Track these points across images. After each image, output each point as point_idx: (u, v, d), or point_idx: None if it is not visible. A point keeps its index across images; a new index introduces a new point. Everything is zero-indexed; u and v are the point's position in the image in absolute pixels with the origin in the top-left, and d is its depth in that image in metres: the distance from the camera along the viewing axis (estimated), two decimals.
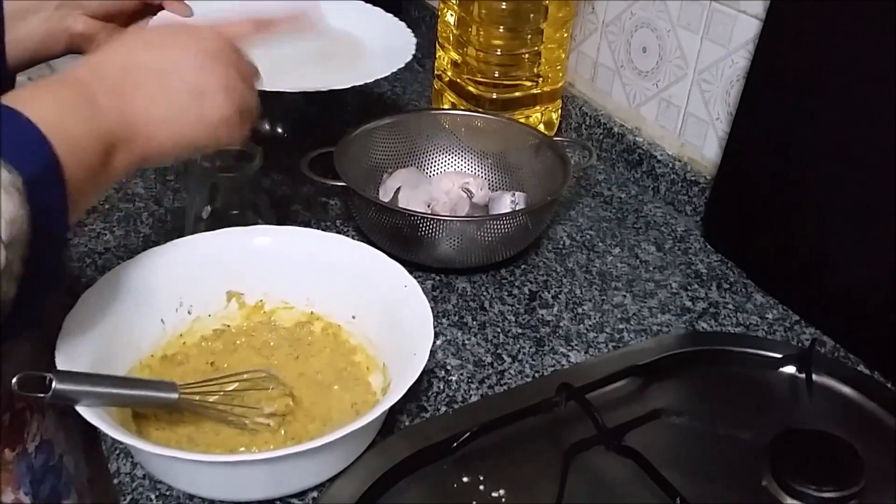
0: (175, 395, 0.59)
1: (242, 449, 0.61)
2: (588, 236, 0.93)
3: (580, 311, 0.81)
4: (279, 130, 1.08)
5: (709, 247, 0.92)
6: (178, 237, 0.71)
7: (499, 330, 0.78)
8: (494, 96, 1.03)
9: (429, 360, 0.60)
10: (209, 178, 0.78)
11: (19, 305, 0.44)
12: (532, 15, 1.00)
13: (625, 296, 0.83)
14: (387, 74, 0.91)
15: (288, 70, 0.91)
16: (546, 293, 0.83)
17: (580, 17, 1.09)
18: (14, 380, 0.51)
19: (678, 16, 0.94)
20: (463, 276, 0.84)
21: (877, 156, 0.71)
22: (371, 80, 0.90)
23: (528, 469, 0.63)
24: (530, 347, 0.76)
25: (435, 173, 0.96)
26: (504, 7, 0.98)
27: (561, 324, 0.79)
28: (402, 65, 0.93)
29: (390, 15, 1.06)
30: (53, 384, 0.52)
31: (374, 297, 0.68)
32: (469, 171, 0.96)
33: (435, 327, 0.65)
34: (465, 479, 0.61)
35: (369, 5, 1.08)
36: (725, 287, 0.85)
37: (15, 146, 0.42)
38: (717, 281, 0.86)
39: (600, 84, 1.09)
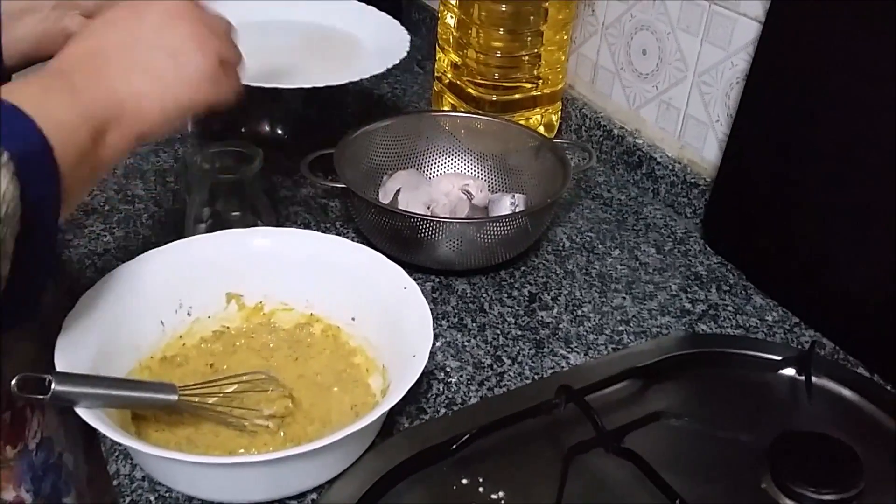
0: (174, 397, 0.59)
1: (242, 451, 0.61)
2: (588, 238, 0.93)
3: (580, 313, 0.81)
4: (279, 132, 1.08)
5: (708, 249, 0.92)
6: (178, 239, 0.71)
7: (498, 332, 0.78)
8: (494, 98, 1.03)
9: (428, 362, 0.60)
10: (209, 179, 0.78)
11: (15, 293, 0.44)
12: (532, 17, 1.00)
13: (624, 298, 0.83)
14: (382, 71, 0.92)
15: (284, 68, 0.92)
16: (546, 295, 0.83)
17: (580, 20, 1.09)
18: (13, 381, 0.51)
19: (678, 18, 0.94)
20: (462, 277, 0.84)
21: (876, 159, 0.71)
22: (367, 76, 0.90)
23: (527, 471, 0.63)
24: (530, 349, 0.76)
25: (435, 175, 0.96)
26: (504, 9, 0.98)
27: (560, 326, 0.79)
28: (397, 61, 0.94)
29: (384, 14, 1.06)
30: (53, 386, 0.52)
31: (374, 299, 0.68)
32: (469, 173, 0.96)
33: (434, 329, 0.65)
34: (464, 481, 0.61)
35: (363, 4, 1.09)
36: (725, 289, 0.86)
37: (2, 127, 0.42)
38: (717, 283, 0.86)
39: (600, 86, 1.09)
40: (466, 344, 0.76)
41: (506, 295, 0.83)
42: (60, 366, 0.56)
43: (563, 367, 0.74)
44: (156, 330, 0.67)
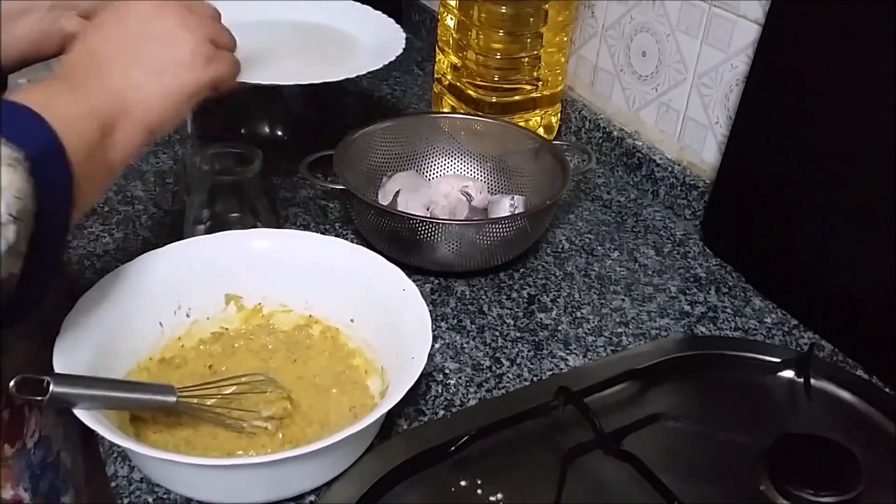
0: (173, 399, 0.59)
1: (240, 452, 0.61)
2: (587, 240, 0.93)
3: (579, 314, 0.81)
4: (279, 133, 1.08)
5: (707, 251, 0.92)
6: (177, 240, 0.71)
7: (497, 333, 0.78)
8: (494, 100, 1.03)
9: (427, 364, 0.60)
10: (208, 180, 0.78)
11: (22, 292, 0.45)
12: (532, 19, 1.00)
13: (623, 299, 0.83)
14: (378, 67, 0.92)
15: (280, 66, 0.92)
16: (545, 297, 0.83)
17: (580, 21, 1.09)
18: (11, 382, 0.51)
19: (677, 20, 0.94)
20: (462, 279, 0.84)
21: (876, 162, 0.71)
22: (363, 73, 0.91)
23: (525, 473, 0.63)
24: (529, 351, 0.76)
25: (434, 177, 0.96)
26: (504, 11, 0.98)
27: (559, 327, 0.79)
28: (394, 58, 0.94)
29: (379, 12, 1.07)
30: (51, 387, 0.52)
31: (373, 301, 0.68)
32: (468, 175, 0.96)
33: (433, 331, 0.65)
34: (462, 483, 0.61)
35: (358, 3, 1.09)
36: (724, 291, 0.86)
37: (13, 125, 0.44)
38: (716, 285, 0.86)
39: (600, 88, 1.09)
40: (465, 345, 0.76)
41: (505, 297, 0.83)
42: (59, 367, 0.56)
43: (561, 368, 0.74)
44: (154, 331, 0.67)
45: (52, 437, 0.69)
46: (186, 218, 0.80)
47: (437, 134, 0.97)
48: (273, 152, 0.91)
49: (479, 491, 0.61)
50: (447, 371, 0.73)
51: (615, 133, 1.05)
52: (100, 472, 0.63)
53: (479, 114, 1.02)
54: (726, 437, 0.65)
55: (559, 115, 1.11)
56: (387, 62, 0.93)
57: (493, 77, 1.03)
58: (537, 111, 1.07)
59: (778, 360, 0.74)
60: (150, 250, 0.68)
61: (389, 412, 0.59)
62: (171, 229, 0.88)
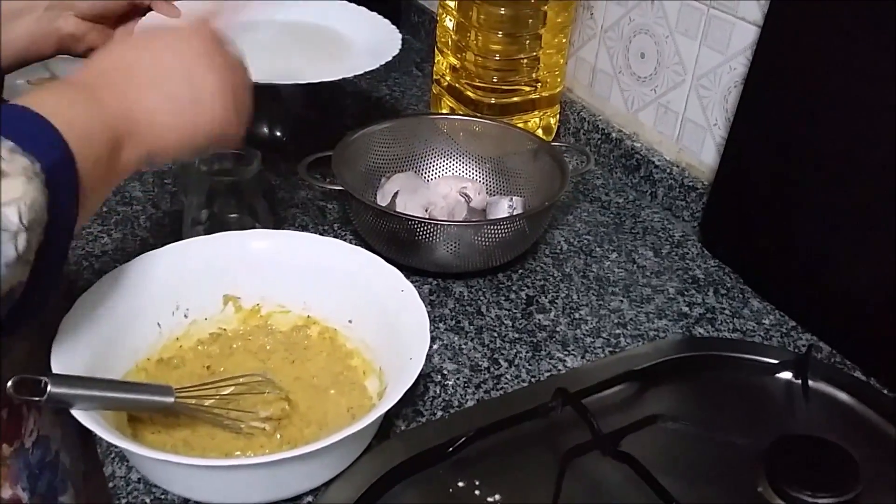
0: (171, 399, 0.59)
1: (238, 453, 0.61)
2: (585, 241, 0.93)
3: (577, 315, 0.81)
4: (278, 134, 1.08)
5: (706, 252, 0.92)
6: (176, 240, 0.71)
7: (495, 335, 0.78)
8: (493, 101, 1.03)
9: (425, 365, 0.60)
10: (207, 181, 0.78)
11: (25, 300, 0.45)
12: (531, 20, 1.00)
13: (622, 301, 0.83)
14: (375, 67, 0.93)
15: (276, 66, 0.92)
16: (543, 298, 0.83)
17: (579, 23, 1.09)
18: (9, 383, 0.51)
19: (676, 22, 0.95)
20: (460, 280, 0.84)
21: (874, 165, 0.71)
22: (360, 73, 0.91)
23: (523, 474, 0.63)
24: (527, 352, 0.76)
25: (433, 178, 0.96)
26: (503, 12, 0.99)
27: (558, 329, 0.79)
28: (390, 58, 0.94)
29: (374, 13, 1.07)
30: (49, 388, 0.52)
31: (371, 302, 0.68)
32: (467, 176, 0.96)
33: (432, 332, 0.65)
34: (460, 484, 0.61)
35: (353, 4, 1.09)
36: (722, 292, 0.86)
37: (30, 137, 0.44)
38: (714, 286, 0.86)
39: (598, 89, 1.10)
40: (463, 346, 0.76)
41: (503, 298, 0.83)
42: (57, 367, 0.56)
43: (560, 370, 0.74)
44: (153, 332, 0.67)
45: (51, 436, 0.69)
46: (185, 219, 0.80)
47: (436, 135, 0.97)
48: (272, 153, 0.91)
49: (476, 492, 0.61)
50: (445, 372, 0.73)
51: (614, 134, 1.05)
52: (98, 471, 0.63)
53: (478, 115, 1.02)
54: (724, 439, 0.65)
55: (558, 116, 1.11)
56: (383, 62, 0.93)
57: (491, 78, 1.03)
58: (536, 112, 1.07)
59: (776, 361, 0.74)
60: (148, 251, 0.68)
61: (387, 413, 0.59)
62: (170, 230, 0.88)
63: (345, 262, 0.71)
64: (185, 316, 0.69)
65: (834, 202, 0.76)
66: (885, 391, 0.73)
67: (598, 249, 0.91)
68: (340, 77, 0.90)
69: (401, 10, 1.44)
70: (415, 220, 0.79)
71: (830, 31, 0.73)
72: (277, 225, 0.87)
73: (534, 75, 1.04)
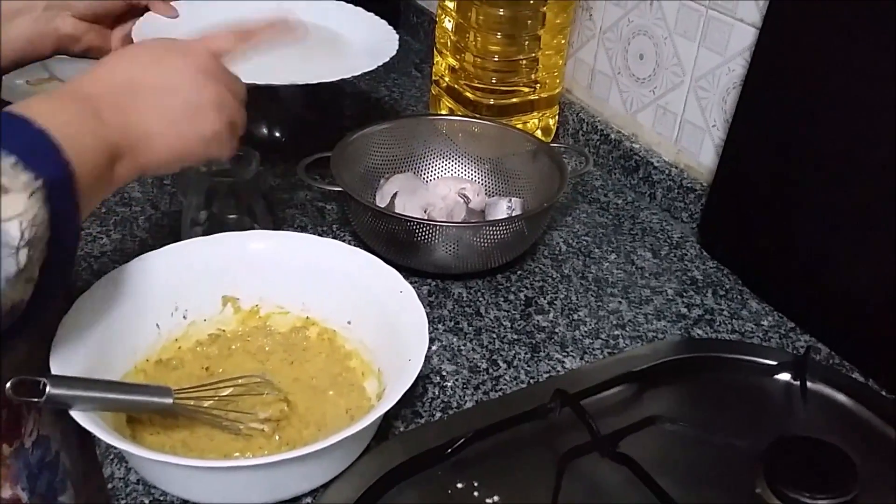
0: (170, 400, 0.59)
1: (237, 454, 0.61)
2: (584, 242, 0.93)
3: (576, 317, 0.81)
4: (277, 135, 1.08)
5: (705, 253, 0.92)
6: (174, 241, 0.71)
7: (494, 336, 0.78)
8: (492, 102, 1.03)
9: (424, 366, 0.60)
10: (206, 182, 0.78)
11: (27, 312, 0.45)
12: (529, 21, 1.00)
13: (620, 302, 0.83)
14: (373, 68, 0.93)
15: (276, 68, 0.92)
16: (542, 299, 0.83)
17: (577, 24, 1.09)
18: (8, 384, 0.51)
19: (675, 23, 0.95)
20: (459, 281, 0.84)
21: (873, 166, 0.71)
22: (358, 73, 0.91)
23: (522, 475, 0.63)
24: (526, 353, 0.76)
25: (432, 179, 0.96)
26: (501, 13, 0.99)
27: (556, 330, 0.79)
28: (387, 59, 0.94)
29: (371, 14, 1.07)
30: (48, 389, 0.52)
31: (370, 303, 0.68)
32: (466, 177, 0.96)
33: (430, 333, 0.65)
34: (459, 486, 0.61)
35: (350, 5, 1.09)
36: (721, 294, 0.86)
37: (32, 152, 0.44)
38: (713, 287, 0.86)
39: (597, 90, 1.10)
40: (462, 348, 0.76)
41: (502, 299, 0.83)
42: (56, 368, 0.56)
43: (558, 371, 0.74)
44: (151, 333, 0.67)
45: (51, 436, 0.69)
46: (183, 219, 0.80)
47: (435, 136, 0.97)
48: (270, 154, 0.91)
49: (475, 493, 0.61)
50: (444, 373, 0.73)
51: (612, 136, 1.05)
52: (97, 472, 0.63)
53: (477, 116, 1.03)
54: (723, 440, 0.65)
55: (557, 117, 1.11)
56: (381, 63, 0.93)
57: (490, 79, 1.03)
58: (535, 113, 1.07)
59: (774, 362, 0.74)
60: (147, 252, 0.68)
61: (386, 414, 0.59)
62: (169, 231, 0.88)
63: (344, 263, 0.71)
64: (184, 317, 0.69)
65: (832, 203, 0.76)
66: (884, 392, 0.73)
67: (596, 250, 0.91)
68: (339, 78, 0.90)
69: (400, 11, 1.44)
70: (414, 221, 0.79)
71: (829, 33, 0.73)
72: (276, 226, 0.87)
73: (533, 76, 1.04)
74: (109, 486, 0.60)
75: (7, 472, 0.64)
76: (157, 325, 0.68)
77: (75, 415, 0.54)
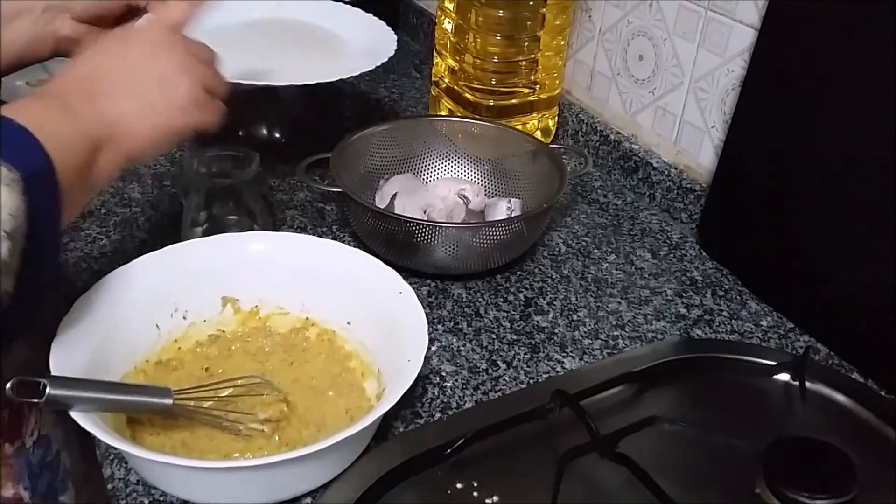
0: (169, 401, 0.59)
1: (237, 455, 0.61)
2: (584, 243, 0.93)
3: (575, 317, 0.81)
4: (276, 135, 1.08)
5: (704, 254, 0.92)
6: (174, 242, 0.71)
7: (494, 336, 0.78)
8: (491, 103, 1.04)
9: (423, 367, 0.60)
10: (206, 183, 0.79)
11: (19, 308, 0.46)
12: (529, 23, 1.00)
13: (620, 302, 0.83)
14: (371, 69, 0.93)
15: (273, 67, 0.92)
16: (541, 300, 0.83)
17: (577, 25, 1.09)
18: (8, 385, 0.51)
19: (674, 24, 0.95)
20: (458, 282, 0.84)
21: (872, 167, 0.71)
22: (356, 74, 0.91)
23: (521, 476, 0.63)
24: (525, 354, 0.76)
25: (431, 179, 0.96)
26: (501, 15, 0.99)
27: (556, 330, 0.79)
28: (386, 59, 0.94)
29: (369, 14, 1.07)
30: (47, 390, 0.52)
31: (370, 304, 0.68)
32: (465, 178, 0.96)
33: (430, 333, 0.65)
34: (458, 486, 0.61)
35: (347, 5, 1.09)
36: (720, 294, 0.86)
37: (11, 147, 0.45)
38: (712, 288, 0.87)
39: (597, 92, 1.10)
40: (462, 348, 0.76)
41: (501, 299, 0.83)
42: (55, 369, 0.56)
43: (558, 371, 0.74)
44: (151, 333, 0.67)
45: (52, 436, 0.69)
46: (183, 220, 0.80)
47: (435, 137, 0.97)
48: (270, 155, 0.91)
49: (474, 493, 0.61)
50: (444, 374, 0.73)
51: (612, 136, 1.05)
52: (97, 472, 0.64)
53: (477, 117, 1.03)
54: (722, 440, 0.65)
55: (556, 118, 1.11)
56: (380, 63, 0.94)
57: (490, 80, 1.03)
58: (534, 114, 1.07)
59: (774, 363, 0.74)
60: (147, 252, 0.68)
61: (386, 415, 0.59)
62: (168, 232, 0.88)
63: (343, 263, 0.71)
64: (184, 318, 0.69)
65: (832, 204, 0.76)
66: (883, 393, 0.73)
67: (596, 251, 0.91)
68: (337, 78, 0.90)
69: (399, 12, 1.44)
70: (413, 222, 0.79)
71: (828, 33, 0.73)
72: (276, 226, 0.87)
73: (532, 77, 1.04)
74: (109, 486, 0.60)
75: (9, 471, 0.64)
76: (157, 325, 0.68)
77: (75, 415, 0.54)
